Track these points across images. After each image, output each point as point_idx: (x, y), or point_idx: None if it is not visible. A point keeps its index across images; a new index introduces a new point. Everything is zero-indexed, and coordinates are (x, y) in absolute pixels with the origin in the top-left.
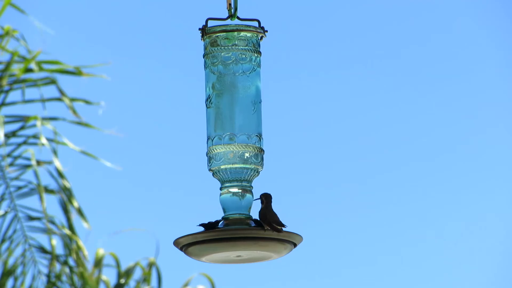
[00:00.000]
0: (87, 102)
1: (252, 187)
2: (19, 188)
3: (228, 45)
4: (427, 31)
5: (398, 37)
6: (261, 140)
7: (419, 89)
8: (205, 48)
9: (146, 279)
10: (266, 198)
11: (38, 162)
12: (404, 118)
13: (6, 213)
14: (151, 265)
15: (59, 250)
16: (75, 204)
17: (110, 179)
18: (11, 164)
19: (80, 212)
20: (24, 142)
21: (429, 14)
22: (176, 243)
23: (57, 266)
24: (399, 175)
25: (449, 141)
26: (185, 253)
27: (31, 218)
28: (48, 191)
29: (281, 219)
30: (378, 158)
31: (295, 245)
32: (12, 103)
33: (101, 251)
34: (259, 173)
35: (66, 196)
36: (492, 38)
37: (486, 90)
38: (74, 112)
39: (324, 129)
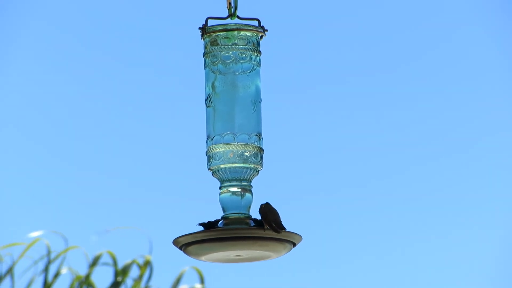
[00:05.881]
0: None
1: (251, 186)
2: None
3: (228, 44)
4: (433, 37)
5: (400, 38)
6: (261, 139)
7: (422, 93)
8: (205, 47)
9: (141, 276)
10: (265, 205)
11: None
12: (407, 122)
13: None
14: (146, 263)
15: None
16: None
17: (108, 179)
18: None
19: None
20: None
21: (434, 21)
22: (175, 242)
23: None
24: (400, 177)
25: (450, 146)
26: (184, 252)
27: None
28: None
29: (281, 218)
30: (379, 158)
31: (294, 244)
32: None
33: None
34: (258, 172)
35: None
36: (497, 44)
37: (490, 95)
38: None
39: (325, 129)
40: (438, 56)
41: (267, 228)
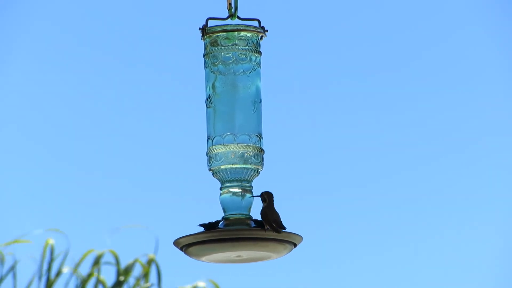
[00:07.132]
0: None
1: (252, 187)
2: None
3: (228, 44)
4: (433, 37)
5: (400, 38)
6: (261, 140)
7: (422, 93)
8: (205, 48)
9: (145, 275)
10: (268, 197)
11: None
12: (407, 122)
13: None
14: (150, 261)
15: None
16: None
17: (108, 179)
18: None
19: None
20: None
21: (434, 21)
22: (176, 243)
23: None
24: (400, 177)
25: (450, 146)
26: (185, 253)
27: None
28: None
29: (281, 219)
30: (379, 158)
31: (295, 245)
32: None
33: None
34: (259, 173)
35: None
36: (497, 44)
37: (490, 95)
38: None
39: (325, 129)
40: (438, 56)
41: (267, 229)
